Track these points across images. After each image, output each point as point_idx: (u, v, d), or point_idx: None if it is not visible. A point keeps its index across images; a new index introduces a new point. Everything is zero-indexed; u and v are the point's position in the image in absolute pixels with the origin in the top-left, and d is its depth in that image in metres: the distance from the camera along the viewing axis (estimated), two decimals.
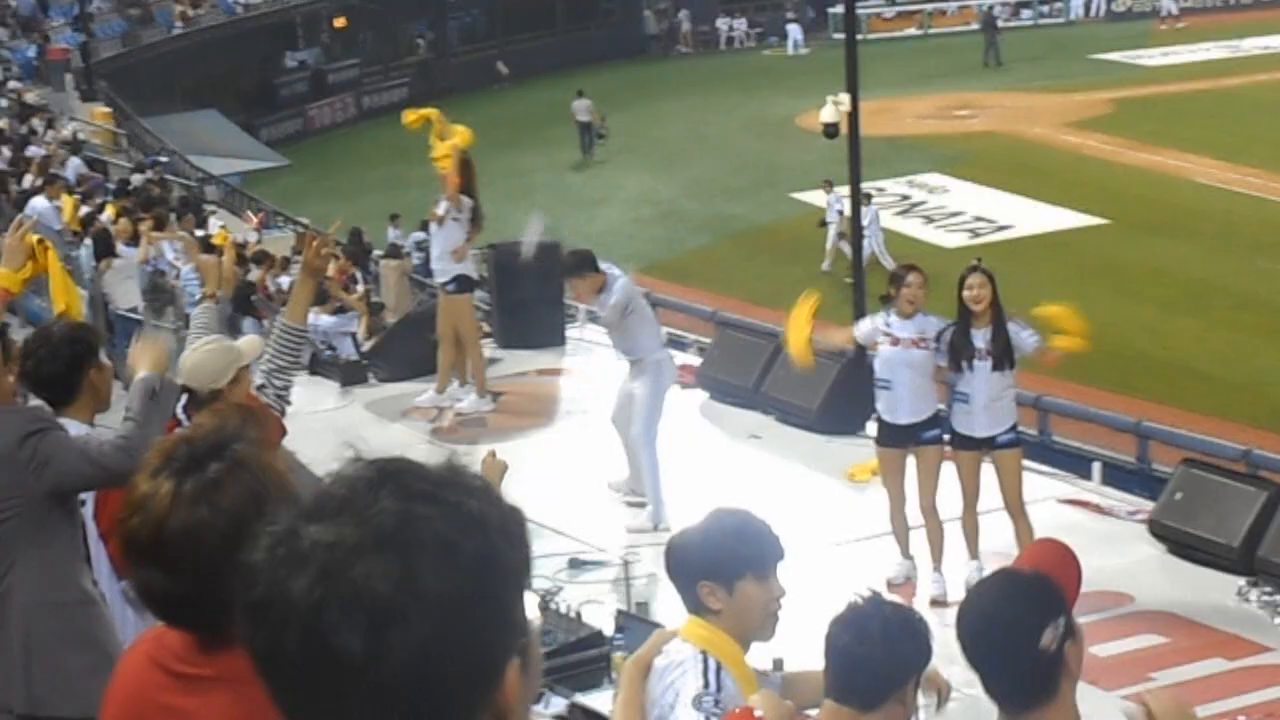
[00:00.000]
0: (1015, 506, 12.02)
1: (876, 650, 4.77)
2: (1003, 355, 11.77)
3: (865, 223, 32.91)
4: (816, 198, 38.09)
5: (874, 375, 12.37)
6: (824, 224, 34.67)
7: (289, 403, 7.24)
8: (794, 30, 65.59)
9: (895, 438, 12.29)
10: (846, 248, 32.76)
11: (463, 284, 16.55)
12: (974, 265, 12.12)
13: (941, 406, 12.32)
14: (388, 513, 1.81)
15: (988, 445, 11.98)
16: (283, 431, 7.07)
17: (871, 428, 14.33)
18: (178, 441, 3.32)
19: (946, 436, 12.22)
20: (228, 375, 7.00)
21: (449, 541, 1.80)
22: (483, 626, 1.83)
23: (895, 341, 12.09)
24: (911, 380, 12.07)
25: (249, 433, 3.31)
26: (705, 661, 5.24)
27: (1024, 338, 11.85)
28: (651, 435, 13.79)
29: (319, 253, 7.38)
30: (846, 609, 4.91)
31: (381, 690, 1.80)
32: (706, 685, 5.20)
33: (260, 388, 7.13)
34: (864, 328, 12.53)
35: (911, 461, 12.29)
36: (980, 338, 11.80)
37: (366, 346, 19.95)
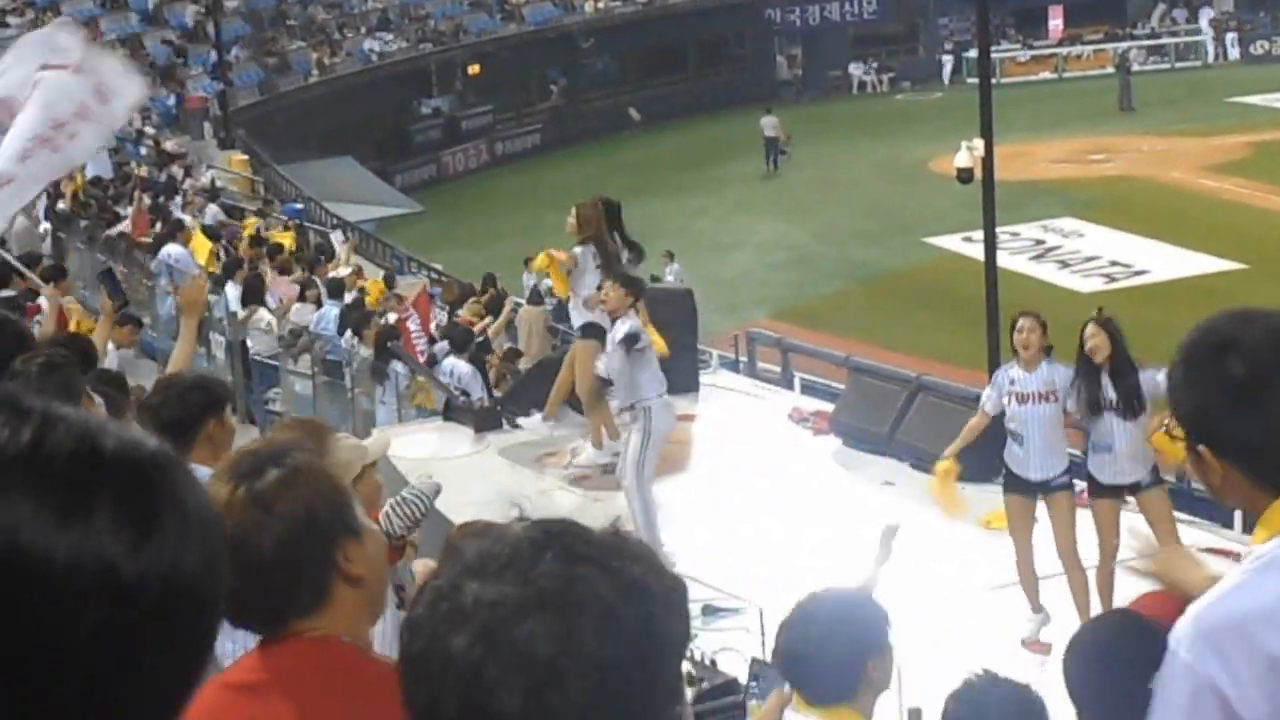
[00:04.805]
0: (1173, 542, 11.74)
1: None
2: (1127, 404, 11.59)
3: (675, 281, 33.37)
4: (951, 242, 38.00)
5: (1005, 426, 12.21)
6: None
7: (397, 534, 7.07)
8: (947, 63, 66.17)
9: (1024, 488, 12.14)
10: None
11: (587, 331, 16.23)
12: (1093, 316, 11.87)
13: (1074, 452, 12.15)
14: (551, 575, 1.82)
15: (1131, 491, 11.80)
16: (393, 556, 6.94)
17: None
18: (245, 452, 3.47)
19: (1080, 484, 12.07)
20: (353, 472, 6.85)
21: (611, 607, 1.81)
22: (639, 693, 1.83)
23: (1023, 399, 11.89)
24: (1043, 436, 11.87)
25: (310, 444, 3.43)
26: None
27: (1158, 381, 11.58)
28: (641, 482, 13.56)
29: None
30: (962, 686, 4.90)
31: None
32: None
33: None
34: (991, 399, 12.24)
35: (1043, 509, 12.13)
36: (1108, 387, 11.62)
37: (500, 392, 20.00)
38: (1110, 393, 11.58)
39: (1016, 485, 12.20)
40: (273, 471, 3.32)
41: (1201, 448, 3.09)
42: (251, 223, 29.33)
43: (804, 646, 5.01)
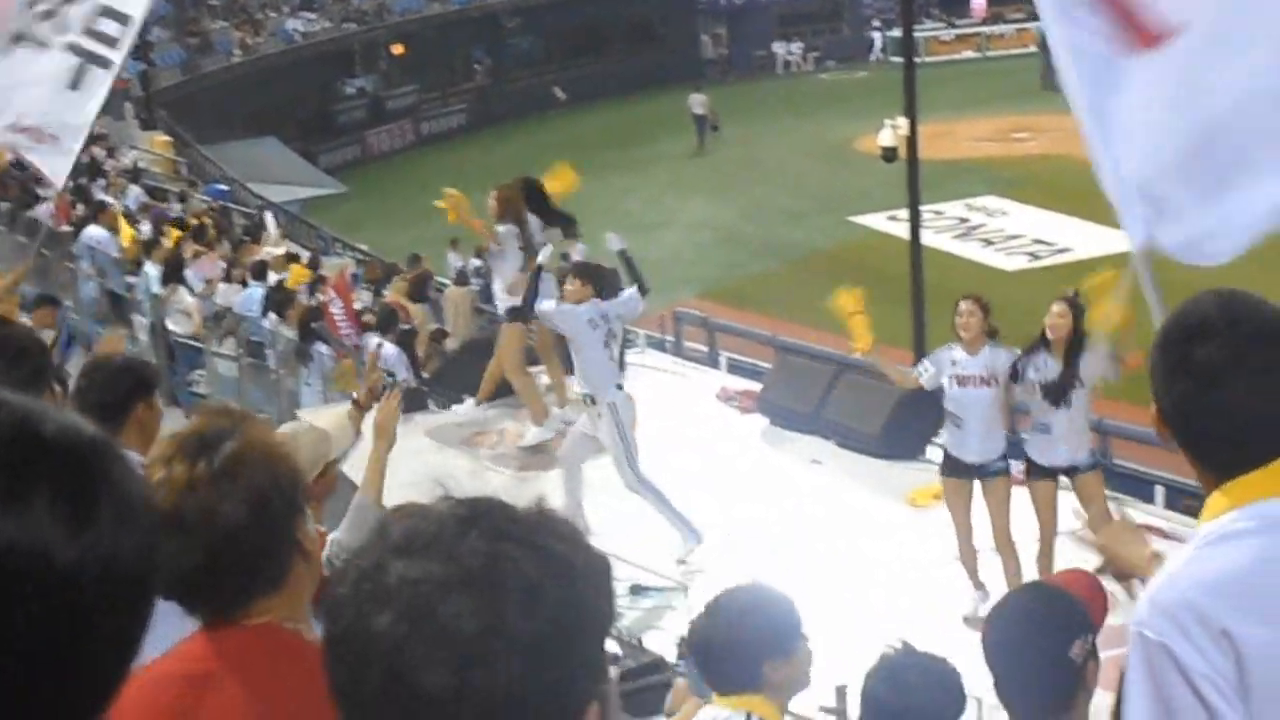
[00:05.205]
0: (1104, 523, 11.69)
1: (913, 701, 4.78)
2: (1065, 387, 11.55)
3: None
4: (876, 221, 38.10)
5: (943, 407, 12.19)
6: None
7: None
8: (877, 39, 66.65)
9: (961, 471, 12.14)
10: None
11: (513, 313, 16.00)
12: (1065, 295, 11.72)
13: (1020, 434, 12.16)
14: (476, 552, 1.81)
15: (1067, 473, 11.80)
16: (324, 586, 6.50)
17: (932, 451, 14.26)
18: (187, 434, 3.40)
19: (1018, 466, 12.09)
20: (317, 469, 6.38)
21: (535, 584, 1.80)
22: (565, 670, 1.82)
23: (964, 382, 11.87)
24: (982, 420, 11.87)
25: (250, 421, 3.44)
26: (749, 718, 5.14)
27: (1101, 356, 11.51)
28: (639, 476, 13.54)
29: (392, 412, 7.23)
30: (880, 661, 4.92)
31: None
32: None
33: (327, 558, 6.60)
34: (929, 372, 12.12)
35: (979, 493, 12.14)
36: (1050, 369, 11.59)
37: (426, 373, 19.93)
38: (1051, 375, 11.58)
39: (954, 468, 12.19)
40: (228, 444, 3.29)
41: (1162, 424, 3.12)
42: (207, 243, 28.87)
43: (709, 635, 5.08)
